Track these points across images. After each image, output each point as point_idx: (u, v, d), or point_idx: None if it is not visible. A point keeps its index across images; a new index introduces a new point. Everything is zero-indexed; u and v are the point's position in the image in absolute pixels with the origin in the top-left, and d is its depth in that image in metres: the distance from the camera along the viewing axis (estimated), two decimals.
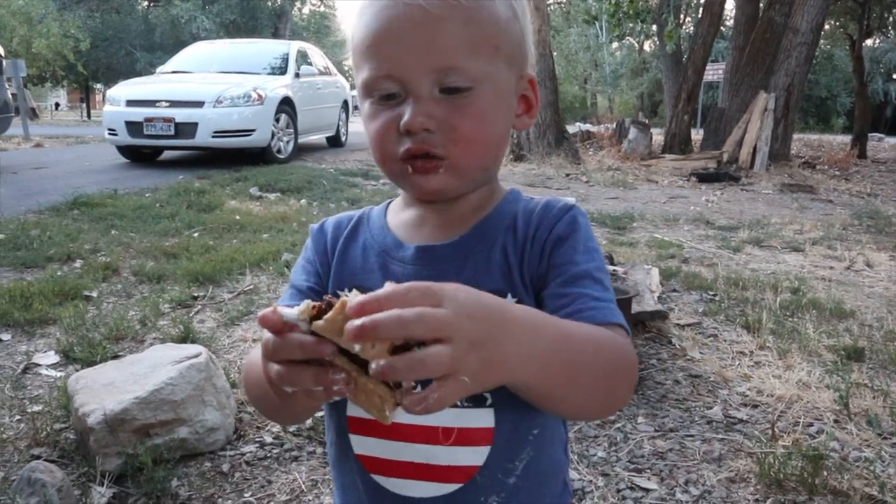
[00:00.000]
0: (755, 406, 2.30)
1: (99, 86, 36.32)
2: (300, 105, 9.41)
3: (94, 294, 3.24)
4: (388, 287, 0.48)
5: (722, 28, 17.58)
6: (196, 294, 3.30)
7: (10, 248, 3.94)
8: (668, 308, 3.14)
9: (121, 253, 3.99)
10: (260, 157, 8.53)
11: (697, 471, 1.89)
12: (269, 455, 1.93)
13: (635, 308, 2.77)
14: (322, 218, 0.87)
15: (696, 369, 2.58)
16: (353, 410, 0.75)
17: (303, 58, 10.34)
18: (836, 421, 2.18)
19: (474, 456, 0.71)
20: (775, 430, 2.08)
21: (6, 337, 2.72)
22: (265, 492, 1.77)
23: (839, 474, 1.80)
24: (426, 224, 0.78)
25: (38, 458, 1.81)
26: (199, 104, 8.05)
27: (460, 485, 0.72)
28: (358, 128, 13.37)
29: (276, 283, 3.51)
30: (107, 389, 1.89)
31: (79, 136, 13.67)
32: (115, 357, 2.39)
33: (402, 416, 0.50)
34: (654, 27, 19.84)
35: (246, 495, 1.75)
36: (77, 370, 2.24)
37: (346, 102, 12.02)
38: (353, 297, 0.48)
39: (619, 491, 1.79)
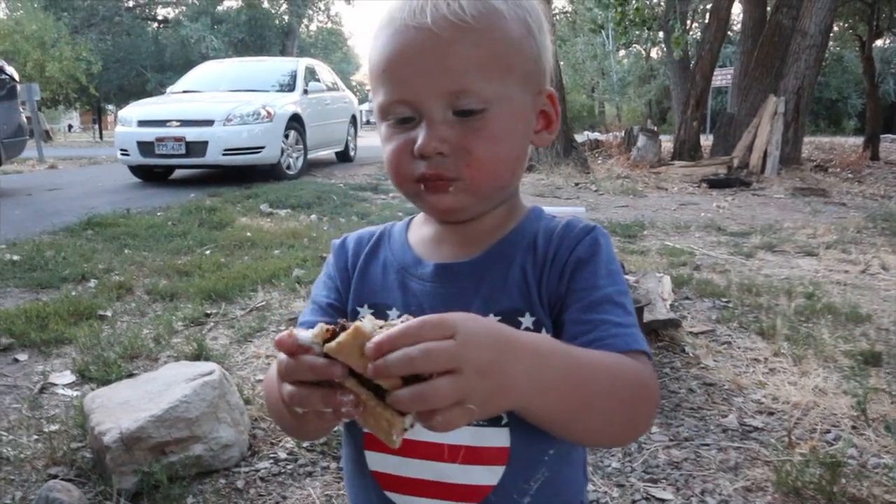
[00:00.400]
0: (771, 413, 2.27)
1: (111, 107, 36.91)
2: (309, 121, 9.48)
3: (109, 313, 3.27)
4: (403, 325, 0.50)
5: (729, 33, 17.55)
6: (209, 311, 3.32)
7: (25, 270, 3.99)
8: (680, 316, 3.13)
9: (134, 272, 4.03)
10: (270, 173, 8.61)
11: (713, 480, 1.88)
12: (283, 471, 1.94)
13: (647, 317, 2.76)
14: (331, 233, 0.89)
15: (710, 377, 2.56)
16: None
17: (311, 74, 10.44)
18: (853, 427, 2.15)
19: (489, 475, 0.71)
20: (792, 437, 2.05)
21: (23, 357, 2.75)
22: None
23: (858, 481, 1.78)
24: (445, 241, 0.78)
25: (55, 477, 1.83)
26: (210, 123, 8.15)
27: None
28: (367, 142, 13.48)
29: (288, 298, 3.52)
30: (122, 408, 1.91)
31: (91, 157, 13.85)
32: (130, 376, 2.41)
33: (418, 434, 0.51)
34: (661, 34, 19.83)
35: None
36: (93, 389, 2.26)
37: (354, 117, 12.11)
38: (367, 322, 0.51)
39: (634, 502, 1.78)
